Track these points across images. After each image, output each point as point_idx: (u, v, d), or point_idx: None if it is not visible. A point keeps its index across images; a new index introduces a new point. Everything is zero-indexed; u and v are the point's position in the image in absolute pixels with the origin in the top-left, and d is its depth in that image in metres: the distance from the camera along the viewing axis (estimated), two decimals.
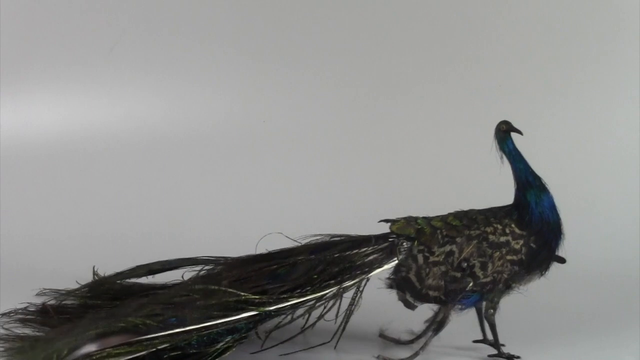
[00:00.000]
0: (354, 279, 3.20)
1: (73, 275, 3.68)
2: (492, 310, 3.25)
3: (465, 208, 3.32)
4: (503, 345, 3.32)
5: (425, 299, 3.23)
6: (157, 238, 4.52)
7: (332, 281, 3.18)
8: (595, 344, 3.44)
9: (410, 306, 3.28)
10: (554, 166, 4.26)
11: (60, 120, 4.94)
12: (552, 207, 3.22)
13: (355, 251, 3.24)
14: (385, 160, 4.90)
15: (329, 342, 3.24)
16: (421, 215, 3.31)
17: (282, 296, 3.12)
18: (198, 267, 3.46)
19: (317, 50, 5.08)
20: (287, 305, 3.13)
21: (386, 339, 3.47)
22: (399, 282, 3.24)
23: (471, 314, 3.30)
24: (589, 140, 4.75)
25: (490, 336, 3.32)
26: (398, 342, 3.43)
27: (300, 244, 3.35)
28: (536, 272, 3.26)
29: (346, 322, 3.22)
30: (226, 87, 4.88)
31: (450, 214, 3.29)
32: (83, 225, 4.63)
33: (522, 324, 3.55)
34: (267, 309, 3.10)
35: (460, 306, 3.22)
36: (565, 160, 4.67)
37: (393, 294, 3.30)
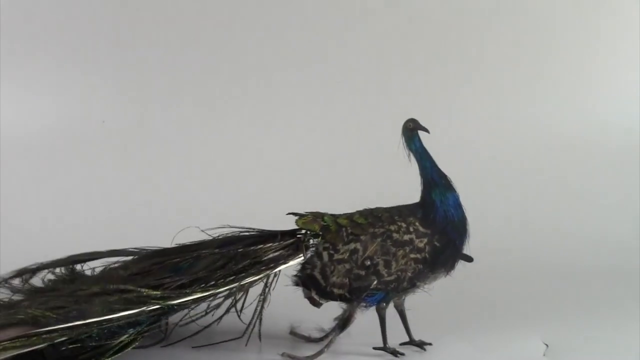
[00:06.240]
0: (257, 275, 3.19)
1: None
2: (384, 304, 3.26)
3: (375, 206, 3.31)
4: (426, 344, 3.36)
5: (330, 296, 3.23)
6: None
7: (235, 277, 3.17)
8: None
9: (316, 304, 3.28)
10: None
11: None
12: (457, 206, 3.22)
13: (260, 246, 3.24)
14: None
15: (240, 337, 3.25)
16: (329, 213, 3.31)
17: (184, 290, 3.11)
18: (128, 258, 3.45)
19: (153, 50, 5.15)
20: (188, 300, 3.11)
21: (296, 336, 3.47)
22: (304, 280, 3.25)
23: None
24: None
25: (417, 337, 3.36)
26: (308, 340, 3.42)
27: (210, 238, 3.35)
28: (441, 270, 3.26)
29: (258, 318, 3.22)
30: (60, 88, 4.83)
31: (357, 211, 3.28)
32: None
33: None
34: (168, 303, 3.07)
35: (364, 304, 3.22)
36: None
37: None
